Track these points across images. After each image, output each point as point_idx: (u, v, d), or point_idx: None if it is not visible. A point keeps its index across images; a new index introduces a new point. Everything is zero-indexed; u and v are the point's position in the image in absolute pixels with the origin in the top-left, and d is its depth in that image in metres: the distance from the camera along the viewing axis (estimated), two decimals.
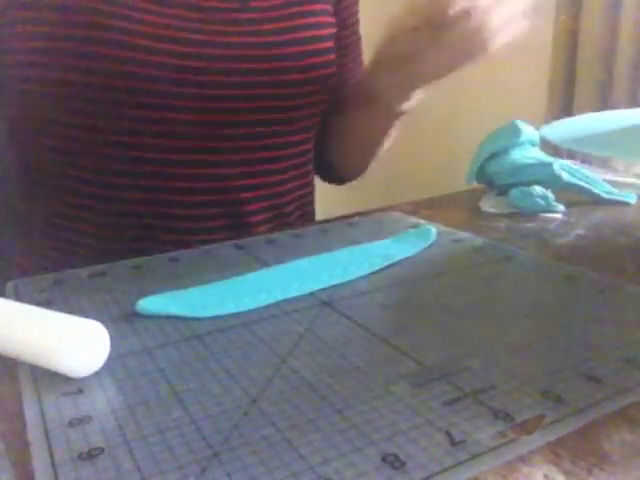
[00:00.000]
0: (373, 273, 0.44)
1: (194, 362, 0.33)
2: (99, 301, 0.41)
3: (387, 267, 0.45)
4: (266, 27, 0.58)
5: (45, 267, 0.57)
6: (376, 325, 0.36)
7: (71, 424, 0.28)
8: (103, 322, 0.38)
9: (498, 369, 0.31)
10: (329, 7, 0.65)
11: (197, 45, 0.55)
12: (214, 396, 0.30)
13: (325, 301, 0.40)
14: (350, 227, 0.56)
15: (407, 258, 0.47)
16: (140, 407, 0.29)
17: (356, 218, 0.58)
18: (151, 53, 0.53)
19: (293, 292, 0.41)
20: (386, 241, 0.50)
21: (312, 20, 0.62)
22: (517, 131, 0.63)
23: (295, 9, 0.61)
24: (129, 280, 0.45)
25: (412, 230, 0.52)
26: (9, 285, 0.44)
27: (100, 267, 0.47)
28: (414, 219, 0.57)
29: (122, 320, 0.38)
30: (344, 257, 0.47)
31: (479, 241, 0.50)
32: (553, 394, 0.29)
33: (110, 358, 0.33)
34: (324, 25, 0.63)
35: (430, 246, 0.49)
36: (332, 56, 0.64)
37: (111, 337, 0.36)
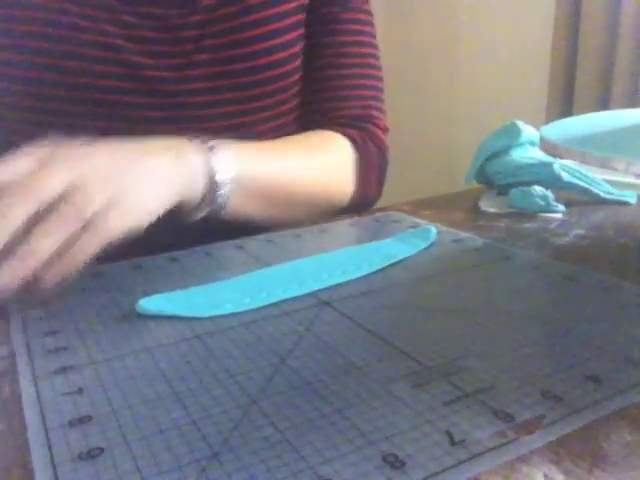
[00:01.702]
0: (373, 273, 0.44)
1: (194, 362, 0.33)
2: (99, 301, 0.41)
3: (387, 267, 0.45)
4: (213, 29, 0.57)
5: None
6: (376, 325, 0.36)
7: (71, 424, 0.28)
8: (103, 322, 0.38)
9: (498, 369, 0.31)
10: None
11: (154, 56, 0.54)
12: (214, 396, 0.30)
13: (325, 301, 0.40)
14: (350, 227, 0.56)
15: (407, 258, 0.47)
16: (140, 407, 0.29)
17: (356, 218, 0.58)
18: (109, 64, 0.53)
19: (293, 292, 0.41)
20: (386, 241, 0.50)
21: (265, 14, 0.58)
22: (517, 131, 0.63)
23: (241, 5, 0.58)
24: (129, 280, 0.45)
25: (412, 230, 0.52)
26: None
27: (100, 267, 0.47)
28: (414, 219, 0.57)
29: (122, 320, 0.38)
30: (344, 257, 0.47)
31: (479, 241, 0.50)
32: (553, 394, 0.29)
33: (110, 358, 0.34)
34: (276, 17, 0.59)
35: (430, 246, 0.49)
36: (285, 53, 0.60)
37: (111, 337, 0.36)
